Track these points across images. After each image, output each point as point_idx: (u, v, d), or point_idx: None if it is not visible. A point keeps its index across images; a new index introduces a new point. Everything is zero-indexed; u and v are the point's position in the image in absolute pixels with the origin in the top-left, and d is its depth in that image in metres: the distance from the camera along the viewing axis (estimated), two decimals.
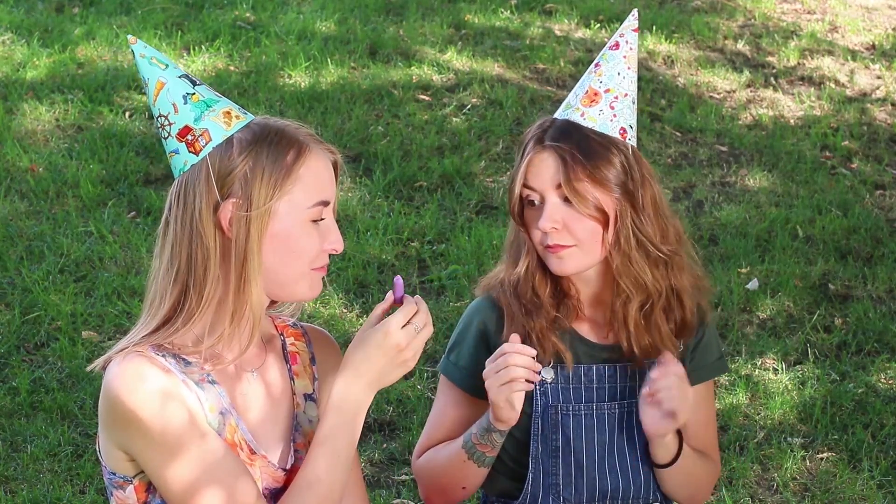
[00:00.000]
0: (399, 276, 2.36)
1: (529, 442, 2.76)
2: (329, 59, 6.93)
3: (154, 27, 7.18)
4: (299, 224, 2.33)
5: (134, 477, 2.32)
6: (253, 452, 2.36)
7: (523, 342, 2.67)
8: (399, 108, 6.55)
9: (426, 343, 2.37)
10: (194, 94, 2.35)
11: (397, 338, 2.31)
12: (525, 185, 2.70)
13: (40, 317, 4.92)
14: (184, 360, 2.31)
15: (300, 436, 2.44)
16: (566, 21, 7.69)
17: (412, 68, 6.94)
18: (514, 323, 2.73)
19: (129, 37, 2.44)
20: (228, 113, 2.35)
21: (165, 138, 2.35)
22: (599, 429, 2.76)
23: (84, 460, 4.26)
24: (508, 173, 6.04)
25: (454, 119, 6.51)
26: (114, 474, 2.34)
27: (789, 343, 5.06)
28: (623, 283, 2.72)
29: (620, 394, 2.77)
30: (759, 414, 4.67)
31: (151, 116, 2.45)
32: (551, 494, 2.76)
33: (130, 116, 6.32)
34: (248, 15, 7.46)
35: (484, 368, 2.65)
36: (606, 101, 2.71)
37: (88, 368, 2.37)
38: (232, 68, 6.84)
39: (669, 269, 2.76)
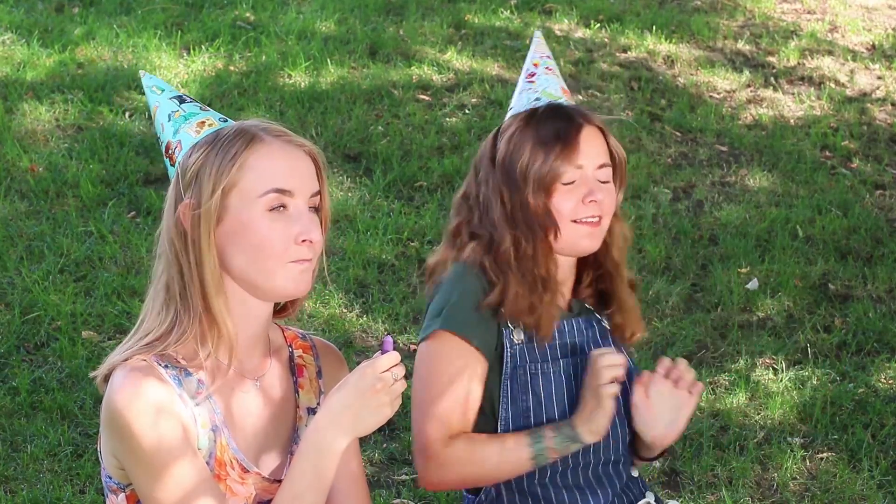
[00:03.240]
0: (389, 336, 2.31)
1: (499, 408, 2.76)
2: (329, 59, 6.93)
3: (154, 27, 7.18)
4: (256, 215, 2.29)
5: (127, 486, 2.32)
6: (245, 471, 2.35)
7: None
8: (399, 108, 6.55)
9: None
10: (178, 111, 2.38)
11: (372, 380, 2.24)
12: (574, 164, 2.77)
13: (40, 317, 4.92)
14: (185, 370, 2.30)
15: None
16: (566, 21, 7.69)
17: (412, 68, 6.94)
18: (517, 298, 2.74)
19: (141, 72, 2.50)
20: (203, 122, 2.37)
21: (163, 157, 2.40)
22: (569, 386, 2.77)
23: (84, 460, 4.26)
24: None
25: (454, 119, 6.51)
26: (110, 478, 2.34)
27: (789, 343, 5.06)
28: (612, 249, 2.85)
29: (584, 346, 2.81)
30: (759, 414, 4.67)
31: (151, 117, 2.48)
32: None
33: (130, 116, 6.32)
34: (248, 15, 7.46)
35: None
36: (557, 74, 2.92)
37: (91, 375, 2.37)
38: (232, 68, 6.84)
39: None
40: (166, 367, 2.29)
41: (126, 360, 2.29)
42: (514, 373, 2.76)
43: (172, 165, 2.35)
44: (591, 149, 2.77)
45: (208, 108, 2.43)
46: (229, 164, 2.29)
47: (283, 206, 2.30)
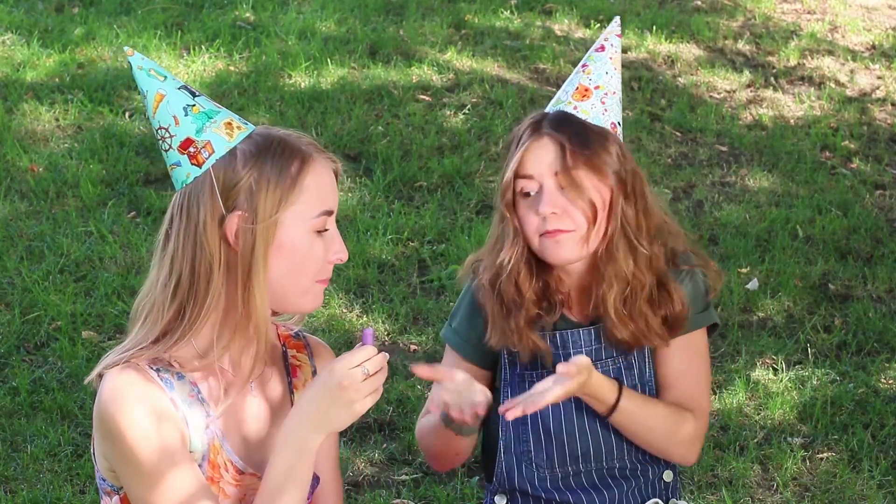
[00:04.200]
0: (369, 329, 2.31)
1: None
2: (329, 59, 6.93)
3: (154, 27, 7.18)
4: (304, 235, 2.30)
5: (120, 489, 2.31)
6: (240, 473, 2.34)
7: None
8: (399, 108, 6.55)
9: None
10: (195, 105, 2.32)
11: (340, 376, 2.23)
12: (521, 176, 2.71)
13: (40, 317, 4.92)
14: (178, 373, 2.29)
15: None
16: (566, 21, 7.69)
17: (412, 68, 6.94)
18: (495, 325, 2.75)
19: (126, 48, 2.40)
20: (230, 124, 2.32)
21: (166, 150, 2.32)
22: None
23: (84, 460, 4.26)
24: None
25: (454, 119, 6.51)
26: (104, 480, 2.33)
27: (789, 343, 5.06)
28: (605, 272, 2.73)
29: (587, 356, 2.77)
30: (759, 414, 4.67)
31: (149, 103, 2.40)
32: (524, 462, 2.78)
33: (130, 116, 6.32)
34: (248, 15, 7.46)
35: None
36: (597, 97, 2.76)
37: (86, 381, 2.36)
38: (232, 68, 6.84)
39: (652, 264, 2.76)
40: (158, 370, 2.27)
41: (118, 363, 2.27)
42: (513, 380, 2.77)
43: (199, 166, 2.29)
44: (541, 158, 2.70)
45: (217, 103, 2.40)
46: (291, 184, 2.28)
47: (327, 226, 2.33)
